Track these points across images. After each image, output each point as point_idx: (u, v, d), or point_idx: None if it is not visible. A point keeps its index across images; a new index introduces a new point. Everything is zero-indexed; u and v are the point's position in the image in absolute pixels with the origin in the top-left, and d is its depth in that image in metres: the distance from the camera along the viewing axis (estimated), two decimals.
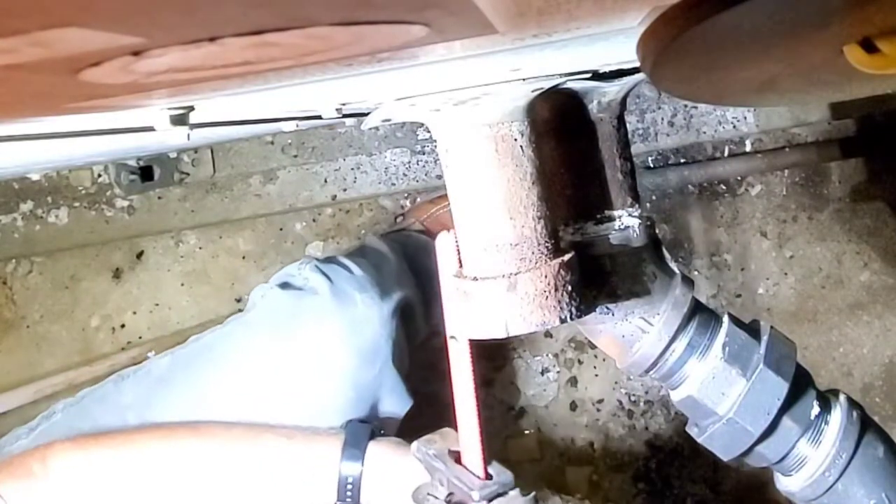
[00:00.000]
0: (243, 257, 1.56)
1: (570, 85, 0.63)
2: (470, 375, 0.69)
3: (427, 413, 1.27)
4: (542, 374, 1.54)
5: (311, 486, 0.85)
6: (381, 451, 0.84)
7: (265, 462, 0.86)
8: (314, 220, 1.55)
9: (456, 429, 0.74)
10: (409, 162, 1.46)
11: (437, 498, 0.72)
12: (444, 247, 0.63)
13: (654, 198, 1.50)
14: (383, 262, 1.16)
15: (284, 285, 1.04)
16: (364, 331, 0.99)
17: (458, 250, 0.60)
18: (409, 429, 1.06)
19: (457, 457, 0.74)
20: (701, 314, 0.68)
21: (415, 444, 0.78)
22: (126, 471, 0.87)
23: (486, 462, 0.72)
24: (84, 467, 0.86)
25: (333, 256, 1.11)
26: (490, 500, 0.70)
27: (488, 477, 0.72)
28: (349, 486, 0.82)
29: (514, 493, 0.71)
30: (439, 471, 0.73)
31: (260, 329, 1.02)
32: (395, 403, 1.03)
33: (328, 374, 0.97)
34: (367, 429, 0.87)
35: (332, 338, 0.98)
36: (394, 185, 1.47)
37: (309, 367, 0.97)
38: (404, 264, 1.21)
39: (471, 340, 0.68)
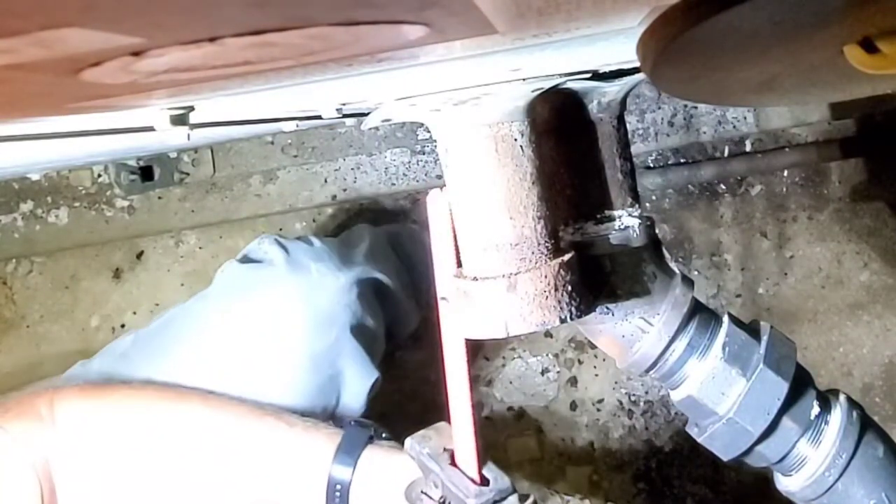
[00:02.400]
0: None
1: (570, 85, 0.63)
2: (465, 375, 0.66)
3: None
4: (542, 374, 1.54)
5: (301, 482, 0.84)
6: (374, 457, 0.83)
7: (261, 445, 0.86)
8: (314, 220, 1.55)
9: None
10: (409, 162, 1.46)
11: (431, 498, 0.69)
12: (436, 208, 0.61)
13: (654, 198, 1.50)
14: (358, 240, 1.16)
15: (244, 259, 1.05)
16: (317, 298, 0.98)
17: (451, 218, 0.58)
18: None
19: (451, 456, 0.70)
20: (701, 314, 0.68)
21: (408, 440, 0.75)
22: (127, 425, 0.87)
23: (482, 464, 0.69)
24: (87, 416, 0.86)
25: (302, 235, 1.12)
26: None
27: (483, 481, 0.68)
28: (338, 491, 0.81)
29: (513, 499, 0.68)
30: (433, 472, 0.70)
31: (215, 300, 1.03)
32: (358, 375, 1.03)
33: (282, 341, 0.97)
34: (365, 433, 0.85)
35: (284, 304, 0.98)
36: (394, 185, 1.47)
37: (262, 335, 0.98)
38: (387, 248, 1.21)
39: (466, 340, 0.66)
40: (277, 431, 0.86)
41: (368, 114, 0.61)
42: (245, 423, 0.87)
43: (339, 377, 1.01)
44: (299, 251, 1.03)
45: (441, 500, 0.69)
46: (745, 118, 1.38)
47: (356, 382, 1.03)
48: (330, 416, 0.99)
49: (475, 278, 0.57)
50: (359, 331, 1.02)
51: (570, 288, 0.56)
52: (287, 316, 0.97)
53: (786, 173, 1.47)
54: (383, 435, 0.88)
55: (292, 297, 0.98)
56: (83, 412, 0.87)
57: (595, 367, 1.53)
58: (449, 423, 0.71)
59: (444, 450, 0.71)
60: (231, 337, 0.98)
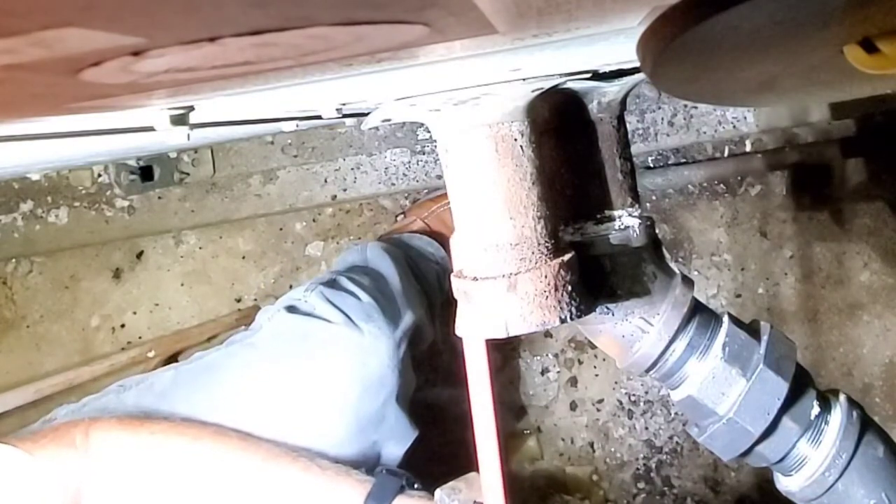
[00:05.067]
0: (243, 257, 1.56)
1: (570, 85, 0.63)
2: (494, 431, 0.66)
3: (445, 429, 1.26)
4: (542, 374, 1.54)
5: None
6: None
7: (294, 488, 0.85)
8: (314, 220, 1.55)
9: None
10: (409, 162, 1.46)
11: None
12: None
13: (654, 198, 1.50)
14: (389, 283, 1.15)
15: (291, 309, 1.04)
16: (370, 361, 0.98)
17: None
18: (425, 449, 1.05)
19: None
20: (701, 314, 0.68)
21: (438, 492, 0.74)
22: (163, 459, 0.87)
23: None
24: (123, 448, 0.87)
25: (336, 279, 1.10)
26: None
27: None
28: None
29: None
30: None
31: (265, 351, 1.01)
32: (398, 440, 1.03)
33: (331, 402, 0.97)
34: (396, 482, 0.84)
35: (337, 366, 0.97)
36: (394, 185, 1.47)
37: (312, 393, 0.97)
38: (410, 277, 1.20)
39: (495, 399, 0.65)
40: (310, 475, 0.86)
41: (368, 114, 0.61)
42: (279, 464, 0.87)
43: (380, 442, 1.01)
44: (350, 309, 1.02)
45: None
46: (745, 118, 1.38)
47: (396, 448, 1.03)
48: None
49: (475, 278, 0.57)
50: (402, 393, 1.02)
51: (570, 288, 0.56)
52: (340, 379, 0.97)
53: (786, 173, 1.47)
54: (415, 485, 0.87)
55: (346, 361, 0.97)
56: (119, 443, 0.87)
57: (595, 367, 1.53)
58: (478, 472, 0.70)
59: (475, 502, 0.71)
60: (279, 391, 0.98)
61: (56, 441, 0.84)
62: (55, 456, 0.82)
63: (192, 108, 0.45)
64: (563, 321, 0.56)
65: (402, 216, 1.48)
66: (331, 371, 0.97)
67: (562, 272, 0.56)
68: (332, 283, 1.07)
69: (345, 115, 0.68)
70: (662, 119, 1.40)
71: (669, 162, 1.48)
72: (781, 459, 0.67)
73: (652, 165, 1.47)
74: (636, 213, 0.67)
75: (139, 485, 0.86)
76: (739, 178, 1.48)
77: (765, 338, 0.67)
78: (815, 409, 0.67)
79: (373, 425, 0.99)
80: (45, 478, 0.80)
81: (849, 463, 0.66)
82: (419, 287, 1.20)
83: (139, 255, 1.58)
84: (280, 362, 0.99)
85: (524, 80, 0.54)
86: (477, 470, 0.70)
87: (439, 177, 1.44)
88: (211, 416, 0.95)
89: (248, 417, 0.95)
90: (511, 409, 1.54)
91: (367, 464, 1.00)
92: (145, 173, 1.48)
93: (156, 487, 0.86)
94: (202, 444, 0.88)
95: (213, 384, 0.99)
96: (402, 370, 1.01)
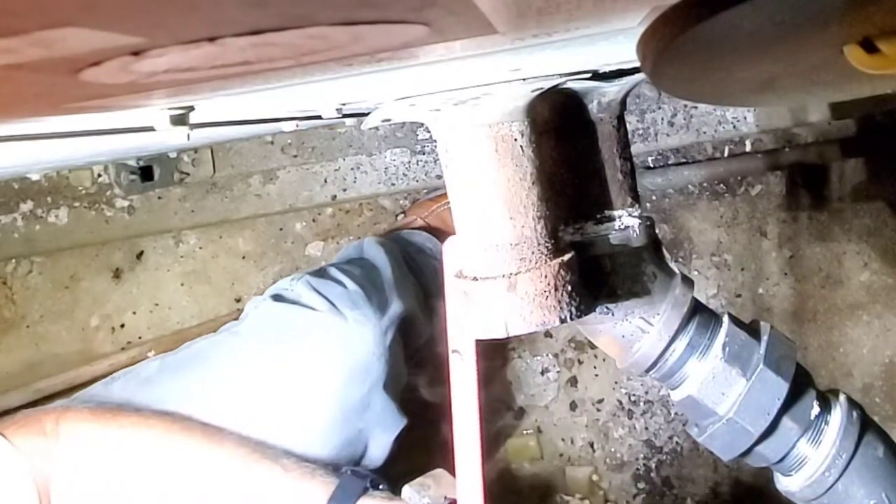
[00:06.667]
0: (243, 257, 1.56)
1: (570, 85, 0.63)
2: (475, 426, 0.64)
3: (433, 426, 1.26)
4: (542, 374, 1.54)
5: None
6: None
7: (256, 489, 0.85)
8: (314, 220, 1.55)
9: (452, 470, 0.67)
10: (409, 162, 1.46)
11: None
12: (449, 251, 0.61)
13: (654, 198, 1.50)
14: (380, 273, 1.14)
15: (277, 297, 1.04)
16: (355, 349, 0.98)
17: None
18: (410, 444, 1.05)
19: None
20: (701, 314, 0.68)
21: (406, 488, 0.73)
22: (129, 452, 0.87)
23: None
24: (91, 438, 0.87)
25: (325, 269, 1.09)
26: None
27: None
28: None
29: None
30: None
31: (249, 339, 1.01)
32: (386, 427, 1.03)
33: (314, 390, 0.96)
34: (360, 484, 0.84)
35: (321, 354, 0.97)
36: (394, 185, 1.47)
37: (295, 381, 0.97)
38: (404, 269, 1.20)
39: (479, 392, 0.63)
40: (272, 476, 0.86)
41: (368, 114, 0.61)
42: (243, 464, 0.87)
43: (367, 430, 1.01)
44: (335, 297, 1.01)
45: None
46: (745, 118, 1.38)
47: (383, 435, 1.02)
48: (355, 464, 0.99)
49: (475, 278, 0.57)
50: (389, 381, 1.01)
51: (570, 288, 0.56)
52: (323, 366, 0.97)
53: (786, 173, 1.47)
54: (380, 486, 0.87)
55: (330, 348, 0.97)
56: (88, 434, 0.87)
57: (595, 367, 1.53)
58: (451, 471, 0.68)
59: (445, 498, 0.70)
60: (263, 379, 0.97)
61: (26, 427, 0.85)
62: (24, 442, 0.82)
63: (192, 108, 0.45)
64: (563, 321, 0.56)
65: (402, 216, 1.48)
66: (315, 358, 0.97)
67: (562, 272, 0.56)
68: (319, 273, 1.08)
69: (345, 115, 0.68)
70: (662, 119, 1.40)
71: (669, 162, 1.48)
72: (781, 459, 0.67)
73: (652, 165, 1.47)
74: (636, 213, 0.67)
75: (106, 477, 0.86)
76: (739, 178, 1.48)
77: (765, 338, 0.67)
78: (815, 410, 0.67)
79: (357, 413, 0.98)
80: (18, 461, 0.80)
81: (849, 463, 0.66)
82: (414, 280, 1.20)
83: (139, 255, 1.58)
84: (264, 350, 0.99)
85: (524, 80, 0.54)
86: (450, 469, 0.67)
87: (439, 177, 1.44)
88: (194, 403, 0.95)
89: (232, 405, 0.95)
90: (511, 409, 1.54)
91: (354, 452, 0.99)
92: (145, 173, 1.48)
93: (122, 481, 0.86)
94: (170, 439, 0.88)
95: (199, 371, 0.99)
96: (388, 358, 1.01)
